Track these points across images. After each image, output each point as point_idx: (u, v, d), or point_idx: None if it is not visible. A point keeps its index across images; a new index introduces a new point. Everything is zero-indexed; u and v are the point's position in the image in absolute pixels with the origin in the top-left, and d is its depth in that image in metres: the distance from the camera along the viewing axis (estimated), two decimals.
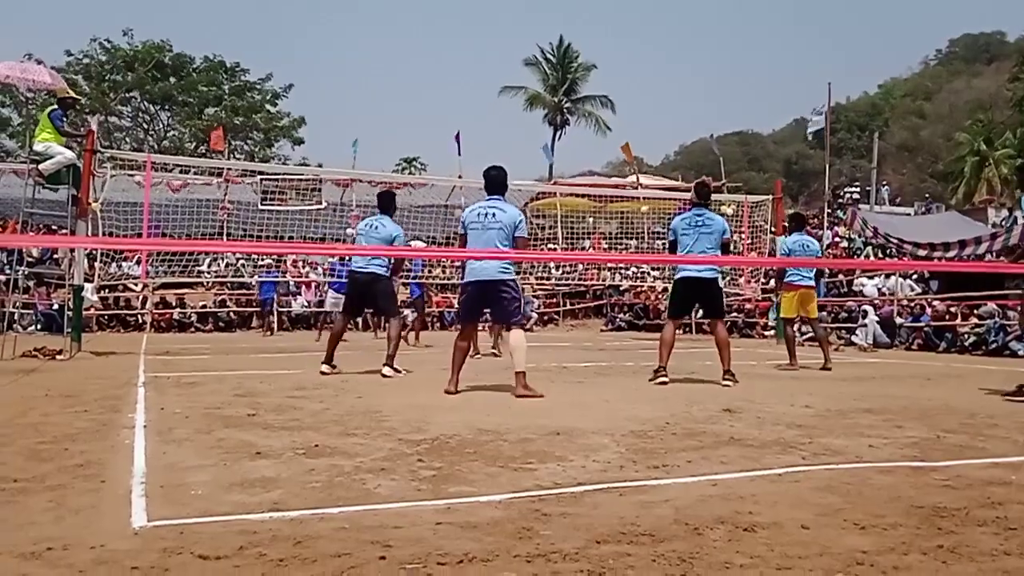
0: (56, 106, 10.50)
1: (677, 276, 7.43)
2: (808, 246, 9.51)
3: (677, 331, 7.44)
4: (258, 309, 19.73)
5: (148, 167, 11.99)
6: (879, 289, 16.91)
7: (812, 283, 9.45)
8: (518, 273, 15.16)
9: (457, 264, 16.30)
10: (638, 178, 21.07)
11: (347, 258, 16.29)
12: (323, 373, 7.62)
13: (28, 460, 3.49)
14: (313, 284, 20.79)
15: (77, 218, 10.43)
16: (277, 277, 18.27)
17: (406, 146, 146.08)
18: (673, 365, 7.43)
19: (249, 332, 18.35)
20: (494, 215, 6.19)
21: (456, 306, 12.70)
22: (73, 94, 11.31)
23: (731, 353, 7.14)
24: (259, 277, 18.17)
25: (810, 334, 9.41)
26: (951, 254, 15.93)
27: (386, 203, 8.03)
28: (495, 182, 6.42)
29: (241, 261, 19.97)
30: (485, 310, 6.65)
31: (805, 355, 9.70)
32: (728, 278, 18.15)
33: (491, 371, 8.02)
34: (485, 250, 6.13)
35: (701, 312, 7.69)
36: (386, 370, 7.51)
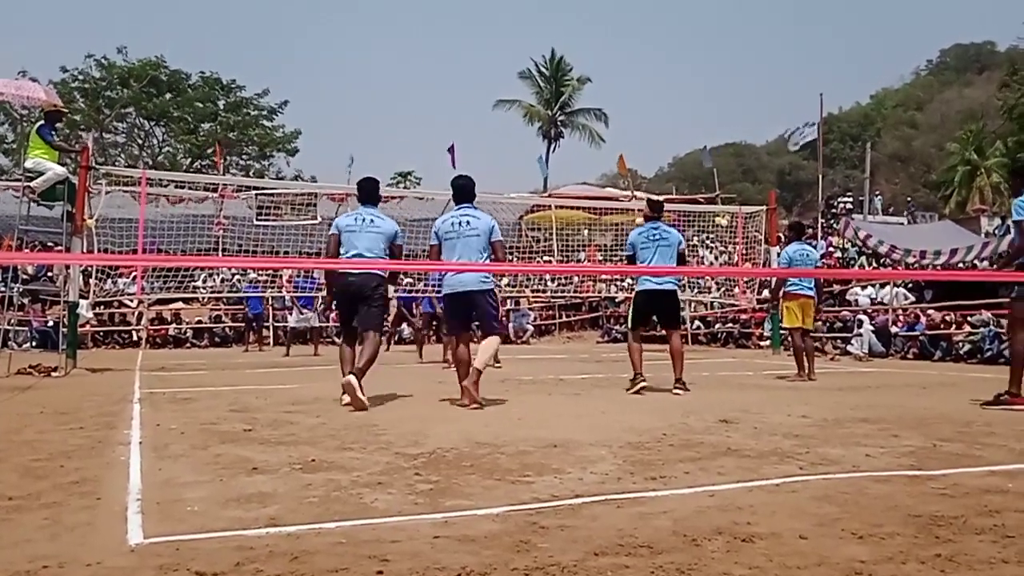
0: (43, 121, 10.45)
1: (638, 288, 7.62)
2: (808, 255, 9.52)
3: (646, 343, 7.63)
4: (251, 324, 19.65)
5: (143, 183, 12.00)
6: (871, 299, 16.97)
7: (812, 293, 9.40)
8: (515, 285, 15.11)
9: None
10: (633, 192, 21.14)
11: (312, 274, 16.27)
12: (346, 404, 6.06)
13: (23, 477, 3.47)
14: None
15: (72, 235, 10.41)
16: (263, 292, 18.21)
17: (401, 160, 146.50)
18: (666, 377, 7.47)
19: (248, 347, 18.27)
20: (468, 223, 6.19)
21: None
22: (60, 106, 11.24)
23: (684, 363, 7.32)
24: (246, 291, 18.12)
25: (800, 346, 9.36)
26: (940, 261, 16.04)
27: (371, 191, 6.76)
28: (464, 191, 6.41)
29: (237, 276, 19.93)
30: (473, 319, 6.50)
31: (789, 365, 9.71)
32: (724, 288, 18.23)
33: (487, 383, 8.00)
34: (470, 263, 6.09)
35: (659, 324, 7.83)
36: (351, 378, 5.98)
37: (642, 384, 7.12)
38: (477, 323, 6.61)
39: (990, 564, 2.25)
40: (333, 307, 8.26)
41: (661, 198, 8.29)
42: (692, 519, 2.72)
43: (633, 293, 7.82)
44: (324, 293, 17.57)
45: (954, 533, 2.54)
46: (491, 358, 6.22)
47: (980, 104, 49.75)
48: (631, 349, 7.51)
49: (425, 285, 14.99)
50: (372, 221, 6.47)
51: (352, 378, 5.92)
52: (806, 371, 9.02)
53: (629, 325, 7.83)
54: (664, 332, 7.89)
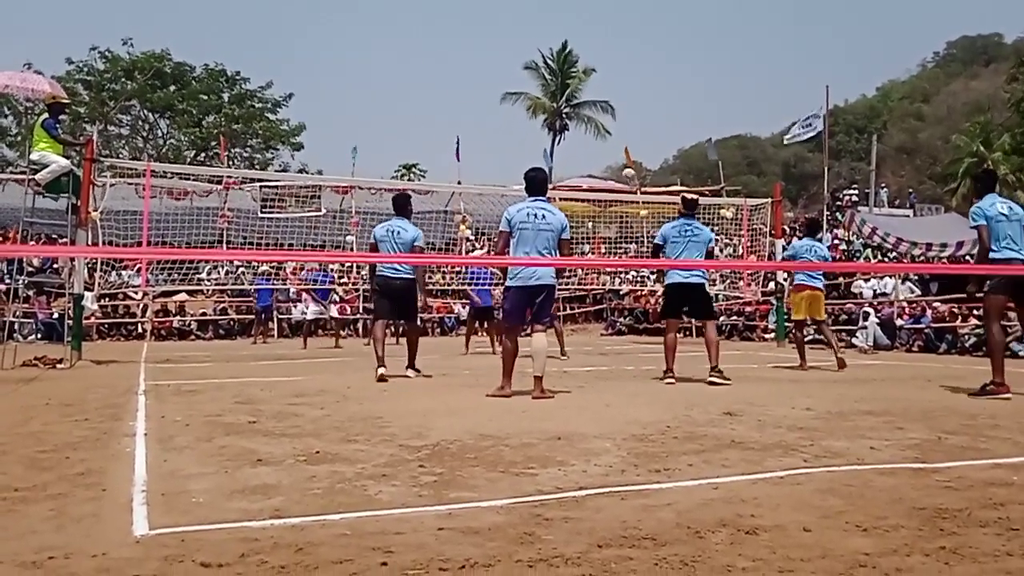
0: (47, 114, 10.42)
1: (667, 282, 7.81)
2: (815, 251, 9.71)
3: (678, 334, 7.82)
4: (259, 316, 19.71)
5: (148, 175, 12.01)
6: (875, 291, 16.92)
7: (818, 285, 9.57)
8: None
9: (457, 270, 16.27)
10: (639, 187, 21.11)
11: (324, 268, 16.36)
12: (383, 375, 7.50)
13: (29, 469, 3.49)
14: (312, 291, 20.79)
15: (77, 227, 10.43)
16: (274, 284, 18.25)
17: (405, 152, 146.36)
18: (675, 368, 7.49)
19: (249, 339, 18.32)
20: (544, 216, 6.28)
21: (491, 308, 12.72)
22: (64, 98, 11.20)
23: (719, 352, 7.46)
24: (257, 284, 18.18)
25: (815, 336, 9.52)
26: (947, 253, 15.99)
27: (402, 205, 8.25)
28: (537, 183, 6.51)
29: (241, 269, 19.95)
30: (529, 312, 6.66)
31: (813, 357, 9.73)
32: (728, 281, 18.20)
33: (492, 374, 8.00)
34: (530, 258, 6.20)
35: (692, 316, 8.05)
36: (410, 372, 7.91)
37: (671, 380, 7.28)
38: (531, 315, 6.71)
39: (995, 557, 2.24)
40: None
41: (692, 195, 8.44)
42: (696, 511, 2.72)
43: (663, 286, 8.05)
44: (339, 287, 17.77)
45: (958, 526, 2.54)
46: (545, 360, 6.35)
47: (987, 96, 49.45)
48: (666, 344, 7.67)
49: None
50: (398, 233, 7.92)
51: (409, 371, 7.94)
52: (807, 363, 9.21)
53: (661, 316, 8.15)
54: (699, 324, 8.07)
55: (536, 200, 6.39)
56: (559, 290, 22.21)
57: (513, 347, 6.45)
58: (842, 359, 9.08)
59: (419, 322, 8.73)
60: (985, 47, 69.22)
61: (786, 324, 14.27)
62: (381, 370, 7.55)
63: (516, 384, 6.28)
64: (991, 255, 6.35)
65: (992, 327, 6.46)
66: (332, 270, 18.40)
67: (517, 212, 6.33)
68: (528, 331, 6.60)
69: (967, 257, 15.78)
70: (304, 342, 15.55)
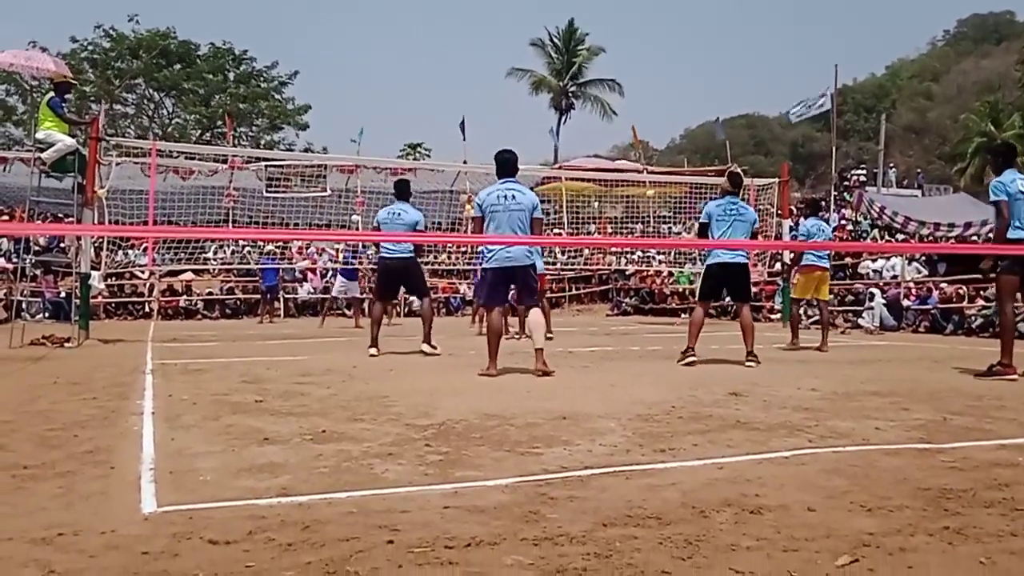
0: (53, 93, 10.42)
1: (711, 261, 7.54)
2: (823, 230, 9.84)
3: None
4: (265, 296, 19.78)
5: (153, 154, 12.00)
6: (881, 271, 16.86)
7: (826, 265, 9.71)
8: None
9: (463, 250, 16.29)
10: (645, 166, 20.94)
11: (359, 248, 16.41)
12: (372, 356, 7.99)
13: (37, 447, 3.51)
14: (319, 270, 20.83)
15: (83, 206, 10.45)
16: (279, 263, 18.28)
17: (410, 132, 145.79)
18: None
19: (255, 318, 18.39)
20: (514, 197, 6.34)
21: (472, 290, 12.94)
22: (70, 77, 11.18)
23: (755, 336, 7.34)
24: (262, 263, 18.23)
25: (815, 317, 9.60)
26: (954, 233, 15.91)
27: (403, 190, 8.56)
28: (508, 164, 6.56)
29: (247, 248, 19.99)
30: (510, 292, 6.94)
31: (805, 337, 9.79)
32: None
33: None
34: (511, 236, 6.27)
35: (728, 297, 7.96)
36: (425, 347, 8.19)
37: (692, 359, 7.14)
38: (516, 296, 6.89)
39: (999, 537, 2.25)
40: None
41: (738, 171, 8.27)
42: (701, 491, 2.73)
43: (704, 265, 7.86)
44: (366, 264, 17.82)
45: (963, 506, 2.54)
46: (544, 332, 6.47)
47: (997, 75, 49.04)
48: (692, 321, 7.50)
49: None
50: (399, 215, 8.27)
51: (425, 346, 8.21)
52: (800, 340, 9.44)
53: (697, 296, 7.97)
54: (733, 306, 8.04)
55: (506, 182, 6.47)
56: (563, 270, 22.37)
57: (497, 327, 6.55)
58: (825, 344, 9.23)
59: (430, 295, 9.14)
60: (996, 25, 68.43)
61: (777, 308, 14.33)
62: (372, 350, 8.08)
63: (521, 363, 6.31)
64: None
65: (1004, 307, 6.39)
66: (338, 248, 18.41)
67: (487, 195, 6.43)
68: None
69: (974, 237, 15.71)
70: (321, 320, 15.65)
